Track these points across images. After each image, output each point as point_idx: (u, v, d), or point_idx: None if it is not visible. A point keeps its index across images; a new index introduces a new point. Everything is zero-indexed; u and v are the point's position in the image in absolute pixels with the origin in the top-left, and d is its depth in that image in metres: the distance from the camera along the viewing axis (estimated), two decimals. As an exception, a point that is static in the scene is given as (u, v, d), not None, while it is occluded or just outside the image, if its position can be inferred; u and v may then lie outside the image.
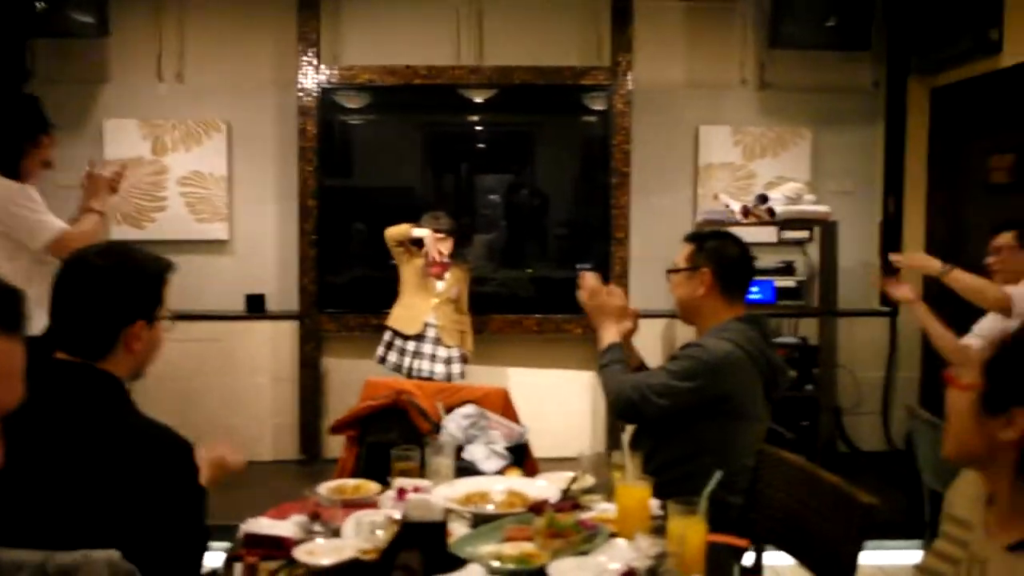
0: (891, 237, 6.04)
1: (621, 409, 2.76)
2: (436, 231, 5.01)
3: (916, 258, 4.58)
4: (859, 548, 2.30)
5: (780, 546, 2.63)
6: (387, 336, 5.14)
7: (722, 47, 6.04)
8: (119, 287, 1.91)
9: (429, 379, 4.88)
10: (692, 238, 2.95)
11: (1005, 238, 4.24)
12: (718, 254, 2.84)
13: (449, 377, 5.03)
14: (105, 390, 1.88)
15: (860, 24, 5.66)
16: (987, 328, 4.11)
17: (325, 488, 2.50)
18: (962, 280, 4.14)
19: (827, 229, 5.42)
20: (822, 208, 5.34)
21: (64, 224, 3.76)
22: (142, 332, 1.92)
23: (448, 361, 5.09)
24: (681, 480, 2.43)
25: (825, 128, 6.03)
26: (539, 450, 4.04)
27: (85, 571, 1.64)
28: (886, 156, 6.07)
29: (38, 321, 3.04)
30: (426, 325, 5.08)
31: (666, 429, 2.71)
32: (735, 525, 2.52)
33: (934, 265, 4.22)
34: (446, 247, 5.03)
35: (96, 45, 5.77)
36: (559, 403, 5.83)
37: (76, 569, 1.64)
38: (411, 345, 5.08)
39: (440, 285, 5.11)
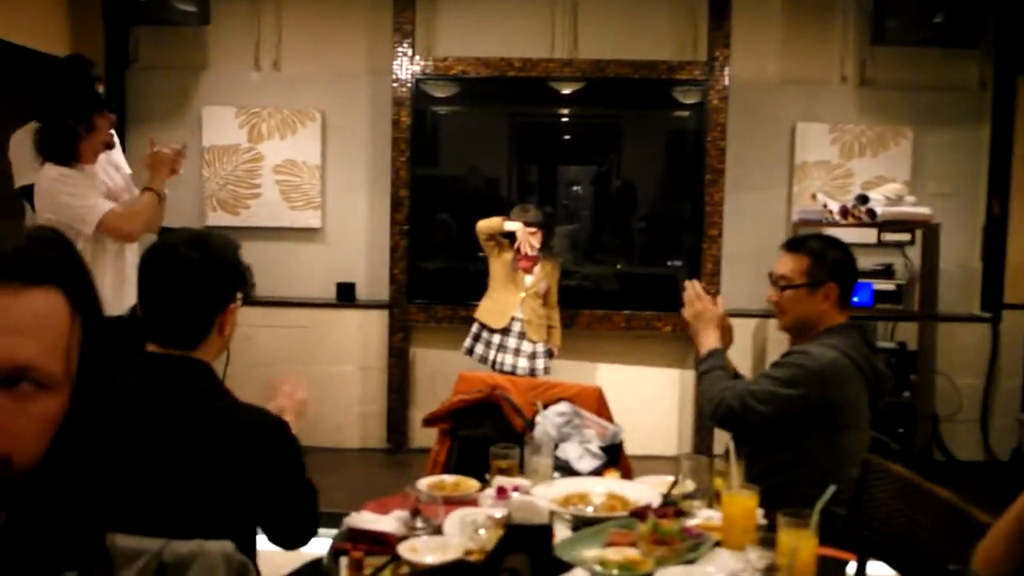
0: (995, 240, 5.84)
1: (722, 417, 2.70)
2: (527, 224, 4.99)
3: None
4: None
5: (886, 560, 2.56)
6: (475, 328, 5.15)
7: (822, 43, 5.90)
8: (214, 278, 1.94)
9: (512, 373, 4.88)
10: (804, 249, 2.78)
11: None
12: (840, 266, 2.74)
13: (532, 372, 5.01)
14: (203, 379, 1.92)
15: (969, 21, 5.48)
16: None
17: (425, 484, 2.51)
18: None
19: (929, 232, 5.26)
20: (924, 210, 5.18)
21: (111, 204, 3.70)
22: (231, 315, 1.96)
23: (532, 356, 5.08)
24: (784, 488, 2.37)
25: (927, 128, 5.85)
26: (629, 447, 4.02)
27: (200, 561, 1.67)
28: (991, 157, 5.86)
29: (110, 302, 3.07)
30: (512, 319, 5.08)
31: (768, 437, 2.65)
32: (839, 536, 2.46)
33: None
34: (536, 240, 5.01)
35: (196, 33, 5.88)
36: (647, 401, 5.78)
37: (192, 558, 1.67)
38: (496, 338, 5.08)
39: (528, 279, 5.10)
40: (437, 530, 2.18)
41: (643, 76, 5.67)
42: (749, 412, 2.62)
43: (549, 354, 5.17)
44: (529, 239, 4.99)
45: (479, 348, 5.11)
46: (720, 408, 2.69)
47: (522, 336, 5.08)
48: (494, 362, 5.04)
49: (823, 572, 2.08)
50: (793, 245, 2.83)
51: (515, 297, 5.09)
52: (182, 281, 1.91)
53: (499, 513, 2.14)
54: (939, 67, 5.82)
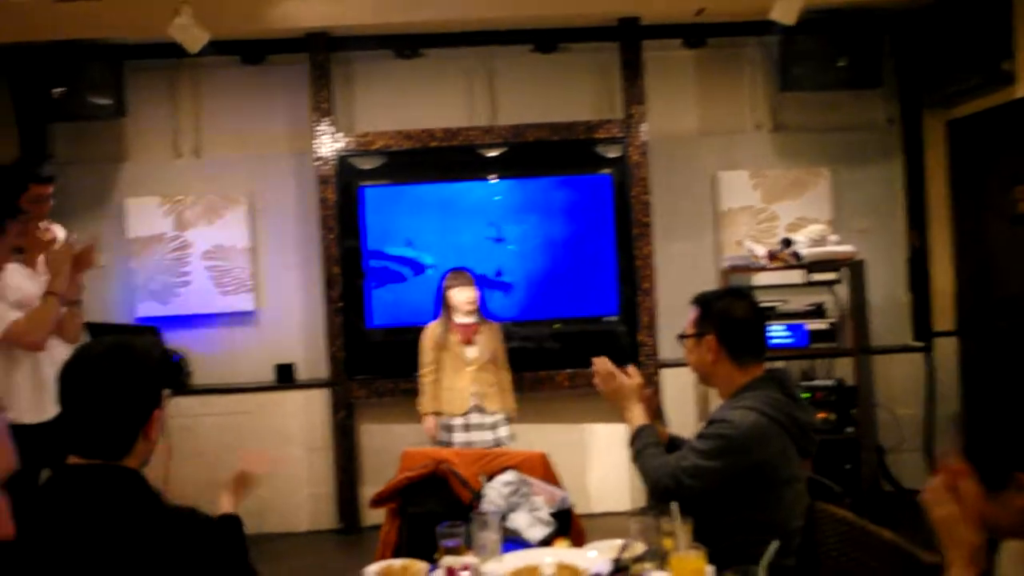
0: (919, 271, 6.00)
1: (661, 494, 2.66)
2: (456, 286, 4.99)
3: None
4: (923, 607, 2.24)
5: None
6: (441, 420, 5.02)
7: (733, 92, 6.07)
8: (136, 389, 1.89)
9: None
10: (697, 300, 2.83)
11: None
12: (722, 317, 2.72)
13: (497, 443, 4.94)
14: (130, 489, 1.87)
15: (870, 63, 5.69)
16: None
17: (372, 571, 2.47)
18: None
19: (854, 268, 5.38)
20: (848, 248, 5.31)
21: (17, 313, 3.53)
22: (157, 420, 1.92)
23: (494, 427, 5.00)
24: (733, 546, 2.38)
25: (843, 167, 6.02)
26: (582, 506, 4.02)
27: None
28: (907, 191, 6.05)
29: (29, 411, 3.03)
30: (471, 397, 5.00)
31: (707, 504, 2.64)
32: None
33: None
34: (470, 294, 4.99)
35: (114, 126, 5.85)
36: (598, 458, 5.78)
37: None
38: (458, 420, 4.99)
39: (472, 352, 5.04)
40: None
41: (562, 137, 5.76)
42: (683, 489, 2.60)
43: (508, 420, 5.10)
44: (465, 295, 4.97)
45: (443, 436, 4.99)
46: (658, 487, 2.66)
47: (480, 410, 5.00)
48: (463, 444, 4.90)
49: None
50: (695, 298, 2.87)
51: (466, 375, 5.01)
52: (102, 395, 1.87)
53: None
54: (847, 108, 6.01)
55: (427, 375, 5.04)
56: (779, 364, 3.36)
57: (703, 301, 2.81)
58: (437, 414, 5.02)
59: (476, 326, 5.05)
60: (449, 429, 4.99)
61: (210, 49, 4.96)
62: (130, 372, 1.89)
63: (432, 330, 5.07)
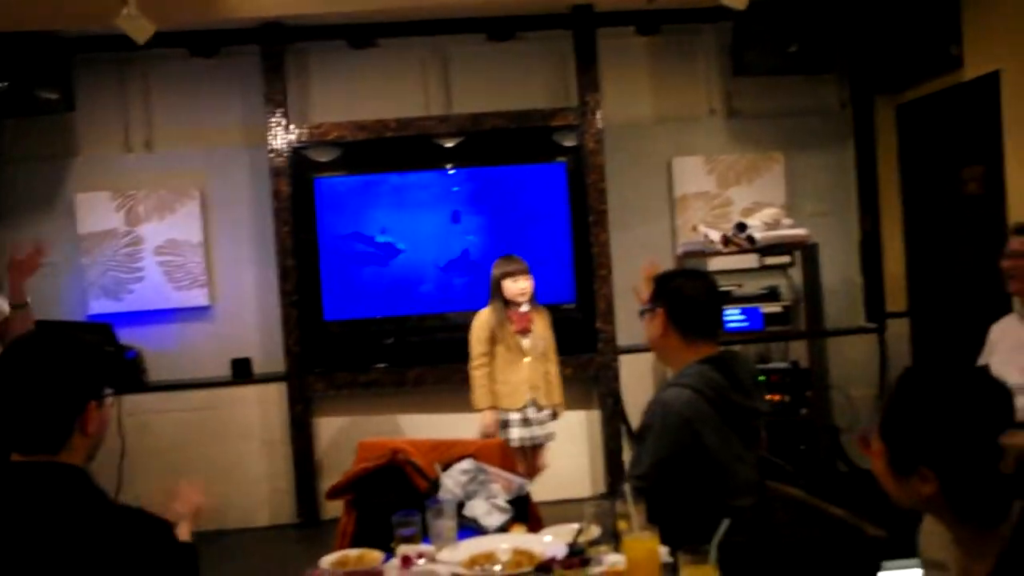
0: (871, 254, 6.07)
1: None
2: (511, 273, 4.73)
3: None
4: (872, 578, 2.28)
5: (791, 583, 2.60)
6: (500, 416, 4.76)
7: (688, 79, 6.09)
8: (65, 375, 1.87)
9: (536, 445, 4.77)
10: (656, 277, 2.89)
11: (1022, 242, 3.83)
12: (673, 294, 2.76)
13: (548, 438, 4.80)
14: (73, 486, 1.84)
15: (822, 48, 5.73)
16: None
17: (327, 561, 2.46)
18: None
19: (808, 251, 5.44)
20: (800, 231, 5.37)
21: None
22: (94, 414, 1.89)
23: (545, 422, 4.81)
24: (685, 526, 2.39)
25: (797, 151, 6.07)
26: (543, 494, 4.02)
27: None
28: (859, 175, 6.12)
29: None
30: (528, 388, 4.75)
31: (662, 493, 2.64)
32: (743, 565, 2.48)
33: None
34: (526, 285, 4.74)
35: (63, 120, 5.76)
36: (557, 445, 5.76)
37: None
38: (515, 415, 4.73)
39: (526, 342, 4.76)
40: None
41: (519, 125, 5.76)
42: (644, 492, 2.58)
43: (553, 416, 4.86)
44: (519, 285, 4.72)
45: (502, 433, 4.71)
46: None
47: (536, 404, 4.76)
48: (519, 439, 4.72)
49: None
50: (655, 276, 2.92)
51: (523, 367, 4.74)
52: (29, 383, 1.85)
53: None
54: (801, 93, 6.06)
55: (479, 367, 4.73)
56: (736, 347, 3.39)
57: (659, 277, 2.88)
58: (494, 407, 4.74)
59: (531, 314, 4.78)
60: (506, 424, 4.71)
61: (160, 41, 4.88)
62: (58, 361, 1.87)
63: (486, 320, 4.75)
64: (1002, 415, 1.59)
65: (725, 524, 2.08)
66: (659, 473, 2.56)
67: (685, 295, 2.77)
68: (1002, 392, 1.63)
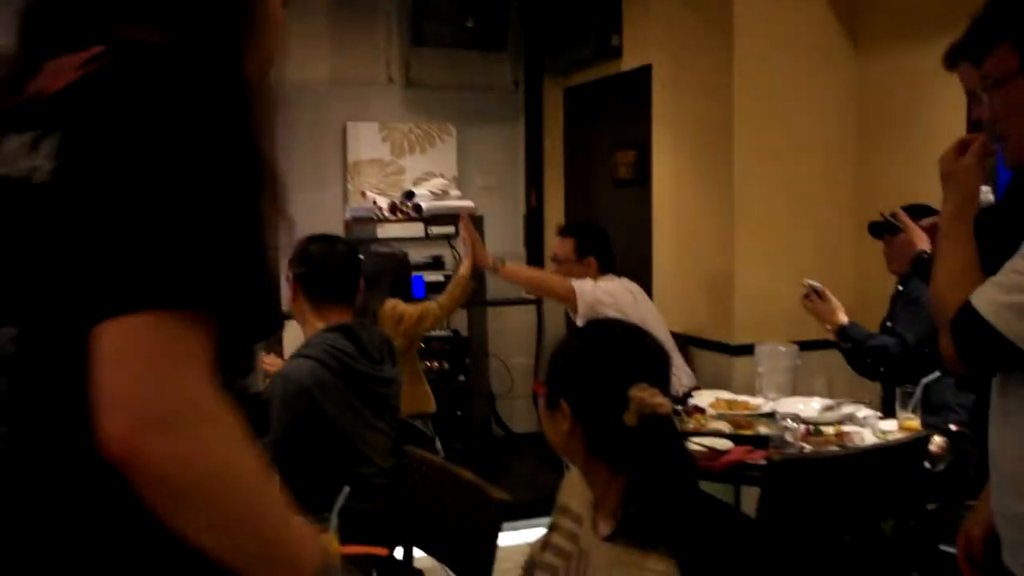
0: (534, 230, 6.36)
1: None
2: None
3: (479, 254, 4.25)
4: (494, 540, 2.39)
5: (423, 547, 2.68)
6: None
7: (368, 44, 6.05)
8: None
9: None
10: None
11: (565, 248, 4.02)
12: (301, 258, 2.75)
13: None
14: None
15: (496, 25, 5.90)
16: None
17: None
18: (519, 274, 4.11)
19: (474, 223, 5.57)
20: (467, 203, 5.49)
21: None
22: None
23: None
24: (312, 494, 2.38)
25: (470, 125, 6.22)
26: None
27: None
28: (527, 152, 6.38)
29: None
30: None
31: (284, 456, 2.60)
32: (379, 533, 2.52)
33: (486, 262, 4.07)
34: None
35: None
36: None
37: None
38: None
39: None
40: None
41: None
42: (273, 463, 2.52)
43: None
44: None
45: None
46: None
47: None
48: None
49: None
50: None
51: None
52: None
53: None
54: (476, 68, 6.21)
55: None
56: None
57: (298, 244, 2.82)
58: None
59: None
60: None
61: None
62: None
63: None
64: (640, 370, 1.66)
65: (345, 491, 2.09)
66: (281, 447, 2.53)
67: (311, 258, 2.75)
68: (646, 350, 1.73)
